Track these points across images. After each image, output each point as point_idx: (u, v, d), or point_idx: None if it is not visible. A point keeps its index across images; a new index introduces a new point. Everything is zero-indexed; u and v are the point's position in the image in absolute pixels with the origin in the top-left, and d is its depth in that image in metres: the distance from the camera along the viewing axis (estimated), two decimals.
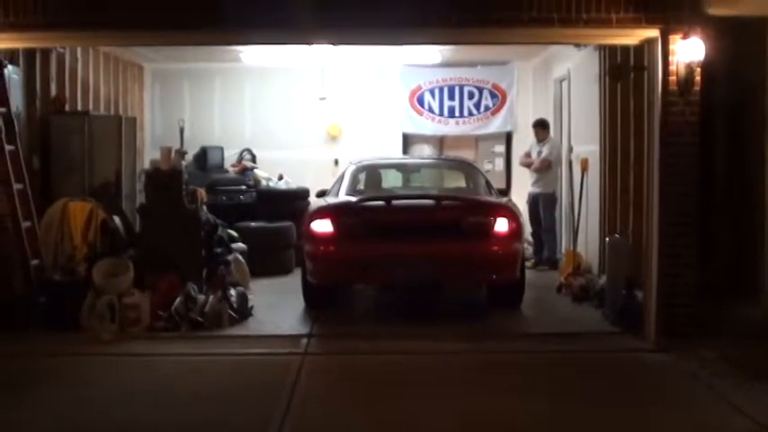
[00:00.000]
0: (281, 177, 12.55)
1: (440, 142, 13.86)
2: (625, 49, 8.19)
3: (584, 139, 10.29)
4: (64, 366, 6.67)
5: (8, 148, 7.75)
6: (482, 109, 13.44)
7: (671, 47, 6.85)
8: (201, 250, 8.54)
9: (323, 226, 8.08)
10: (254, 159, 13.11)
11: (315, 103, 13.20)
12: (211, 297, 7.99)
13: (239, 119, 13.43)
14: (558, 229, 11.41)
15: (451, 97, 13.44)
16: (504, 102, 13.40)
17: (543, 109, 12.31)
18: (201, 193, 9.11)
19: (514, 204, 9.00)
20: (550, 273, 10.70)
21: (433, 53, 12.22)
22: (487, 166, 13.38)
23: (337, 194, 8.94)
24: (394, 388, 6.05)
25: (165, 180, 8.43)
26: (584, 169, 9.75)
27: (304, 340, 7.42)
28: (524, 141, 12.28)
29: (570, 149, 10.96)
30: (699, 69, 6.83)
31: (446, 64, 13.12)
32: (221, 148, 13.09)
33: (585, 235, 10.00)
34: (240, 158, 13.03)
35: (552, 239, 11.28)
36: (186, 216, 8.46)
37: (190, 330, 7.64)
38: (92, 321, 7.50)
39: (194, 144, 12.86)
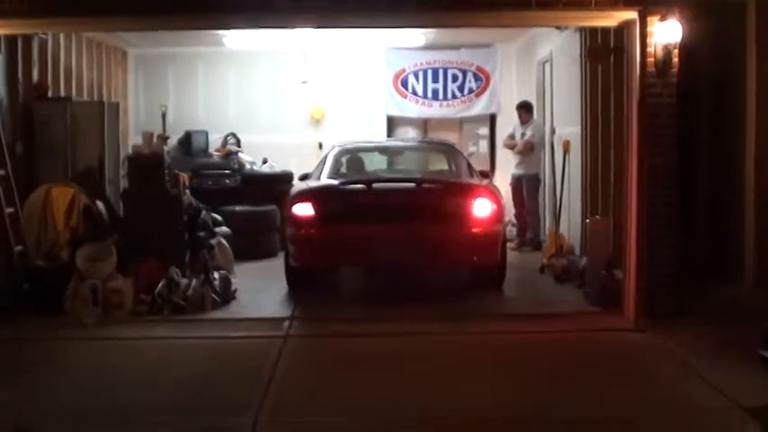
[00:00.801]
0: (265, 161, 12.57)
1: (424, 125, 13.90)
2: (606, 30, 8.21)
3: (566, 121, 10.34)
4: (48, 350, 6.70)
5: None
6: (466, 91, 13.47)
7: (649, 29, 6.88)
8: (184, 234, 8.56)
9: (304, 209, 8.09)
10: (238, 143, 13.10)
11: (298, 87, 13.23)
12: (194, 281, 8.04)
13: (223, 103, 13.43)
14: (542, 211, 11.46)
15: (435, 80, 13.47)
16: (487, 84, 13.43)
17: (527, 91, 12.35)
18: (184, 177, 9.12)
19: (495, 187, 9.02)
20: (534, 254, 10.77)
21: (417, 36, 12.23)
22: (472, 149, 13.44)
23: (319, 178, 8.93)
24: (373, 369, 6.12)
25: (146, 165, 8.45)
26: (566, 151, 9.81)
27: (286, 323, 7.47)
28: (508, 124, 12.30)
29: (553, 131, 11.01)
30: (676, 51, 6.86)
31: (430, 47, 13.13)
32: (206, 133, 13.07)
33: (568, 216, 10.07)
34: (225, 143, 13.02)
35: (536, 221, 11.35)
36: (168, 200, 8.50)
37: (172, 314, 7.68)
38: (75, 306, 7.53)
39: (179, 129, 12.89)
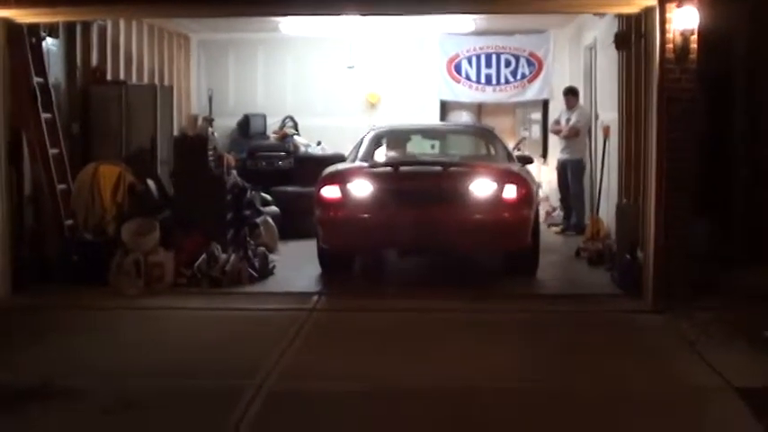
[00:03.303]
0: (319, 144, 12.96)
1: (478, 109, 14.06)
2: (638, 17, 8.27)
3: (607, 107, 10.39)
4: (91, 318, 7.25)
5: (45, 115, 8.29)
6: (519, 77, 13.58)
7: (667, 15, 6.95)
8: (226, 212, 8.95)
9: (331, 192, 8.16)
10: (296, 127, 13.51)
11: (354, 72, 13.55)
12: (233, 256, 8.44)
13: (281, 87, 13.83)
14: (586, 196, 11.53)
15: (489, 65, 13.60)
16: (540, 69, 13.51)
17: (578, 77, 12.40)
18: (229, 158, 9.55)
19: (527, 171, 9.04)
20: (577, 238, 10.81)
21: (467, 21, 12.38)
22: (524, 134, 13.55)
23: (354, 161, 9.07)
24: (388, 341, 6.42)
25: (191, 146, 8.88)
26: (606, 136, 9.90)
27: (315, 297, 7.83)
28: (560, 109, 12.37)
29: (596, 117, 11.07)
30: (694, 37, 6.92)
31: (482, 32, 13.27)
32: (264, 116, 13.53)
33: (607, 201, 10.14)
34: (282, 126, 13.43)
35: (580, 206, 11.42)
36: (212, 180, 8.91)
37: (210, 287, 8.11)
38: (119, 278, 8.00)
39: (238, 112, 13.44)
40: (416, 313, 7.26)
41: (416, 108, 13.39)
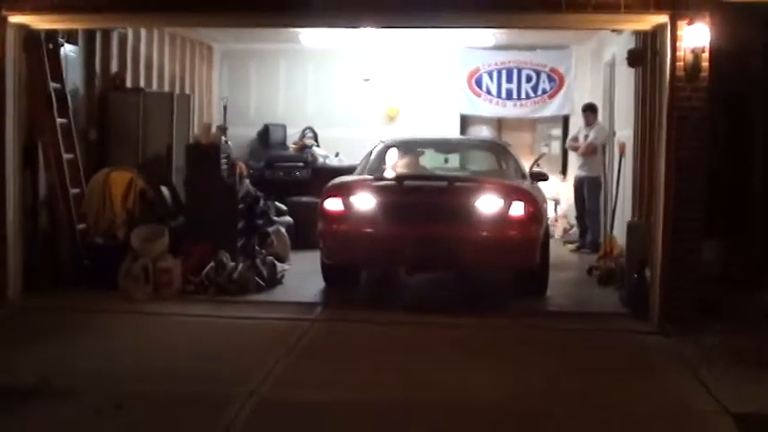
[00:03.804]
0: (337, 155, 13.01)
1: (498, 124, 14.04)
2: (652, 34, 8.23)
3: (623, 124, 10.34)
4: (94, 320, 7.35)
5: (60, 121, 8.39)
6: (539, 92, 13.55)
7: (678, 32, 6.91)
8: (237, 220, 9.00)
9: (333, 204, 7.98)
10: (315, 138, 13.60)
11: (372, 84, 13.61)
12: (241, 265, 8.48)
13: (302, 98, 13.93)
14: (603, 213, 11.45)
15: (509, 80, 13.60)
16: (561, 85, 13.48)
17: (598, 93, 12.33)
18: (242, 166, 9.58)
19: (538, 189, 8.78)
20: (591, 256, 10.76)
21: (486, 36, 12.38)
22: (544, 149, 13.48)
23: (361, 173, 8.87)
24: (388, 354, 6.43)
25: (204, 153, 8.94)
26: (622, 154, 9.82)
27: (318, 308, 7.86)
28: (579, 125, 12.32)
29: (613, 134, 11.01)
30: (705, 55, 6.87)
31: (502, 47, 13.27)
32: (284, 126, 13.64)
33: (622, 219, 10.05)
34: (302, 136, 13.51)
35: (596, 223, 11.34)
36: (223, 188, 8.95)
37: (217, 295, 8.16)
38: (128, 282, 8.08)
39: (259, 122, 13.56)
40: (416, 326, 7.26)
41: (436, 122, 13.38)
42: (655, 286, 7.38)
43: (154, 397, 5.31)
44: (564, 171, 13.40)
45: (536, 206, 7.97)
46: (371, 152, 9.44)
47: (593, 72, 12.98)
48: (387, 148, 9.45)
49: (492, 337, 7.04)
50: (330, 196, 8.10)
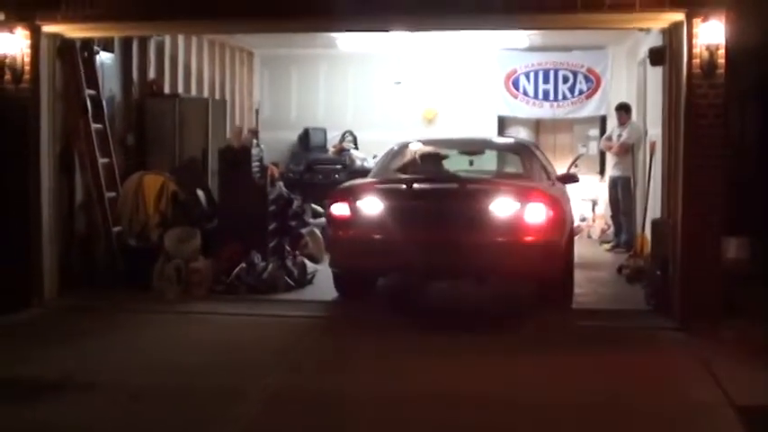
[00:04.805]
0: (374, 157, 13.13)
1: (536, 125, 14.07)
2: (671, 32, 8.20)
3: (655, 123, 10.28)
4: (127, 319, 7.62)
5: (95, 126, 8.70)
6: (576, 93, 13.56)
7: (693, 29, 6.91)
8: (268, 222, 9.20)
9: (340, 209, 7.61)
10: (355, 141, 13.80)
11: (409, 87, 13.76)
12: (271, 265, 8.69)
13: (342, 102, 14.15)
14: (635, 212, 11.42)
15: (546, 81, 13.64)
16: (598, 86, 13.47)
17: (634, 93, 12.28)
18: (273, 169, 9.80)
19: (563, 191, 8.32)
20: (625, 255, 10.74)
21: (521, 37, 12.43)
22: (582, 150, 13.46)
23: (375, 176, 8.46)
24: (406, 352, 6.49)
25: (235, 157, 9.17)
26: (653, 152, 9.80)
27: (339, 306, 8.11)
28: (613, 125, 12.30)
29: (645, 133, 10.98)
30: (721, 52, 6.86)
31: (538, 48, 13.30)
32: (324, 130, 13.88)
33: (652, 218, 10.01)
34: (342, 140, 13.73)
35: (628, 223, 11.32)
36: (254, 191, 9.16)
37: (247, 294, 8.37)
38: (161, 283, 8.34)
39: (300, 126, 13.82)
40: (430, 328, 7.22)
41: (474, 123, 13.44)
42: (676, 283, 7.37)
43: (174, 389, 5.57)
44: (602, 171, 13.36)
45: (557, 210, 7.39)
46: (386, 154, 8.94)
47: (629, 72, 12.89)
48: (401, 150, 8.86)
49: (502, 337, 7.04)
50: (336, 200, 7.73)
